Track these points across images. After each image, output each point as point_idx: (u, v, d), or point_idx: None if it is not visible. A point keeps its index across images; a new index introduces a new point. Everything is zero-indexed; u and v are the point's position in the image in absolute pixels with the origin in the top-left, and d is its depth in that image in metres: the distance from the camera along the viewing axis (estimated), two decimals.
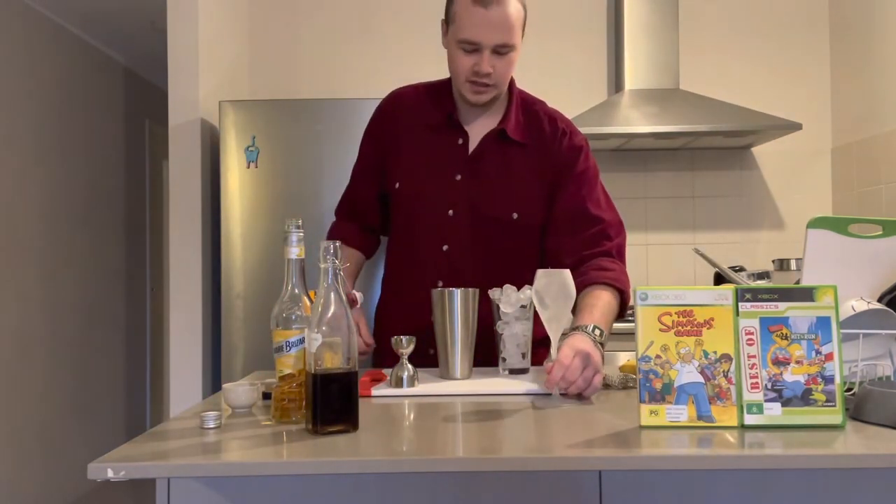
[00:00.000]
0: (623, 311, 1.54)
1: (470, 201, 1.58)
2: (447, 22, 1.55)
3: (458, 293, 1.46)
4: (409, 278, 1.65)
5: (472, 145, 1.61)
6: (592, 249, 1.56)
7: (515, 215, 1.57)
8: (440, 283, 1.57)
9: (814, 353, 1.07)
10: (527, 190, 1.59)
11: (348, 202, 1.78)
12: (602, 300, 1.46)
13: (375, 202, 1.72)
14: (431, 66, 2.08)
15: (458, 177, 1.59)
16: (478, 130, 1.61)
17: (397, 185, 1.63)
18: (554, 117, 1.66)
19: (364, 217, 1.75)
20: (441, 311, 1.48)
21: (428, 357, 1.54)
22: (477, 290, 1.50)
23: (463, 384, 1.43)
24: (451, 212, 1.59)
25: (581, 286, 1.46)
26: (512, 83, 1.62)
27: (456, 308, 1.47)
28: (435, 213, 1.59)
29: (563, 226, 1.59)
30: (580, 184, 1.60)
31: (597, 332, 1.36)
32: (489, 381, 1.46)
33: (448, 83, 1.65)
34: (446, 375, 1.48)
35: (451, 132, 1.61)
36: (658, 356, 1.07)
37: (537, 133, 1.62)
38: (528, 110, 1.64)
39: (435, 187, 1.60)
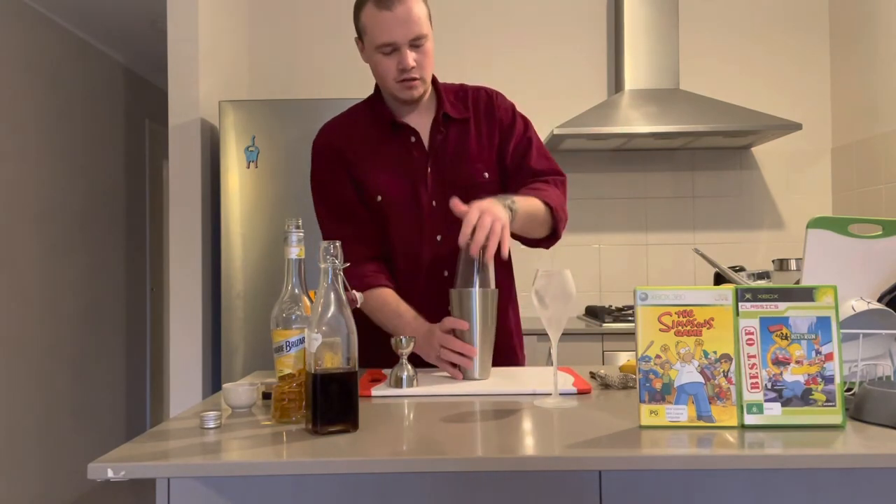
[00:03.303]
0: (555, 229, 1.65)
1: (444, 186, 1.65)
2: (360, 37, 1.65)
3: (476, 293, 1.47)
4: (412, 276, 1.67)
5: (425, 138, 1.69)
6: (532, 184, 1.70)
7: (486, 174, 1.68)
8: (445, 273, 1.64)
9: (814, 353, 1.07)
10: (484, 153, 1.70)
11: (351, 242, 1.66)
12: (526, 197, 1.58)
13: (376, 229, 1.71)
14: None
15: (428, 170, 1.67)
16: (422, 123, 1.70)
17: (379, 198, 1.67)
18: (478, 88, 1.77)
19: (372, 247, 1.70)
20: (459, 311, 1.48)
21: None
22: (496, 290, 1.50)
23: (463, 384, 1.43)
24: (433, 202, 1.66)
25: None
26: (438, 86, 1.72)
27: (474, 307, 1.47)
28: (420, 210, 1.65)
29: (512, 182, 1.72)
30: (520, 142, 1.73)
31: (509, 200, 1.49)
32: (489, 381, 1.46)
33: (376, 96, 1.74)
34: (465, 376, 1.48)
35: (401, 134, 1.68)
36: (658, 356, 1.07)
37: (473, 105, 1.73)
38: (457, 91, 1.75)
39: (412, 188, 1.66)
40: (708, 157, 3.61)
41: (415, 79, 1.60)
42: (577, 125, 3.14)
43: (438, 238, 1.66)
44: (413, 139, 1.68)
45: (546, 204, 1.61)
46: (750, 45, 3.63)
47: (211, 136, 3.09)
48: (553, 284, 1.27)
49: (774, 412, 1.06)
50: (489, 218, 1.41)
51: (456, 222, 1.49)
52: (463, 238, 1.40)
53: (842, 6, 3.52)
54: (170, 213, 2.95)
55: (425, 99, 1.69)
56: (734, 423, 1.06)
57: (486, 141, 1.71)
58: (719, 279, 2.82)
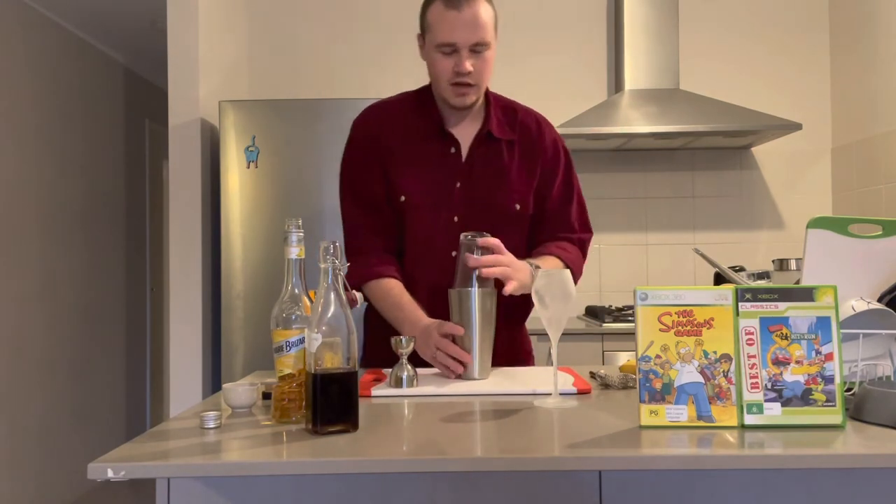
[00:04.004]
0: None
1: (471, 205, 1.63)
2: (423, 33, 1.62)
3: (475, 293, 1.46)
4: (423, 286, 1.65)
5: (464, 151, 1.66)
6: (557, 241, 1.72)
7: (518, 206, 1.66)
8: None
9: (814, 353, 1.07)
10: (521, 183, 1.67)
11: (368, 231, 1.68)
12: (549, 260, 1.62)
13: (395, 223, 1.69)
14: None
15: (458, 184, 1.64)
16: (465, 135, 1.67)
17: (403, 198, 1.65)
18: (529, 111, 1.75)
19: (388, 240, 1.69)
20: (459, 311, 1.48)
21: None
22: (496, 291, 1.50)
23: (463, 385, 1.43)
24: (455, 218, 1.63)
25: (537, 253, 1.65)
26: (489, 98, 1.69)
27: (474, 308, 1.47)
28: (440, 222, 1.63)
29: (540, 226, 1.73)
30: (562, 188, 1.73)
31: (533, 267, 1.52)
32: (490, 381, 1.46)
33: (427, 92, 1.70)
34: (465, 376, 1.48)
35: (443, 142, 1.66)
36: (658, 356, 1.07)
37: (521, 129, 1.70)
38: (507, 109, 1.72)
39: (438, 198, 1.64)
40: (708, 157, 3.61)
41: (469, 84, 1.57)
42: (577, 125, 3.14)
43: (453, 254, 1.61)
44: (453, 150, 1.65)
45: (566, 266, 1.63)
46: (750, 45, 3.63)
47: (211, 136, 3.09)
48: (553, 284, 1.27)
49: (774, 412, 1.06)
50: (511, 271, 1.45)
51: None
52: (474, 261, 1.44)
53: (842, 6, 3.52)
54: (170, 213, 2.95)
55: (475, 109, 1.66)
56: (734, 423, 1.06)
57: (526, 171, 1.67)
58: (719, 279, 2.82)
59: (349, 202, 1.70)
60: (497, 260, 1.45)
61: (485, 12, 1.55)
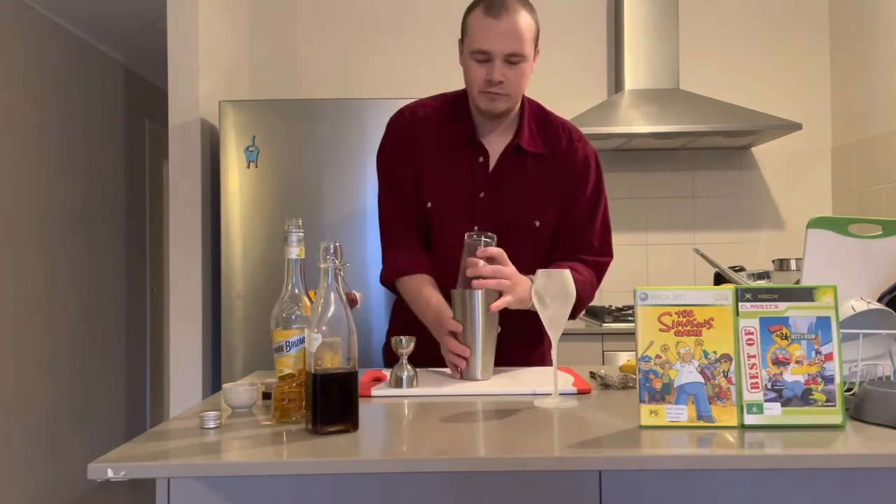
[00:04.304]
0: (573, 314, 1.58)
1: (493, 216, 1.63)
2: (462, 38, 1.61)
3: (479, 294, 1.46)
4: (441, 293, 1.64)
5: (492, 162, 1.66)
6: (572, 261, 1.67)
7: (538, 223, 1.64)
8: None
9: (814, 353, 1.07)
10: (545, 199, 1.66)
11: (402, 225, 1.69)
12: None
13: (423, 218, 1.70)
14: (430, 66, 2.08)
15: (482, 194, 1.64)
16: (495, 146, 1.66)
17: (429, 204, 1.66)
18: (567, 127, 1.72)
19: (419, 235, 1.70)
20: (462, 311, 1.48)
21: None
22: (498, 292, 1.50)
23: (463, 385, 1.43)
24: (476, 228, 1.62)
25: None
26: (525, 106, 1.68)
27: (477, 308, 1.47)
28: (461, 230, 1.61)
29: (560, 241, 1.70)
30: (588, 205, 1.69)
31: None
32: (490, 381, 1.46)
33: (462, 97, 1.68)
34: (466, 376, 1.48)
35: (471, 150, 1.65)
36: (658, 356, 1.08)
37: (552, 142, 1.68)
38: (541, 121, 1.70)
39: (461, 205, 1.65)
40: (708, 157, 3.61)
41: (499, 94, 1.56)
42: (577, 125, 3.11)
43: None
44: (481, 159, 1.65)
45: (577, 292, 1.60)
46: (750, 45, 3.63)
47: (211, 136, 3.09)
48: (553, 284, 1.27)
49: (774, 412, 1.06)
50: (508, 284, 1.45)
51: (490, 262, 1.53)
52: (473, 269, 1.45)
53: (842, 6, 3.52)
54: (170, 213, 2.95)
55: (508, 119, 1.65)
56: (734, 423, 1.06)
57: (551, 186, 1.66)
58: (719, 279, 2.82)
59: (384, 196, 1.71)
60: (496, 271, 1.45)
61: (524, 23, 1.52)
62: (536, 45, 1.59)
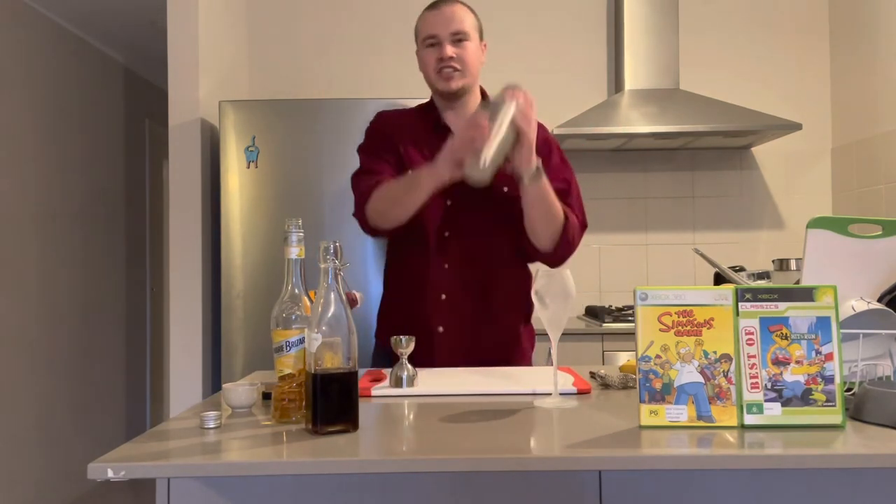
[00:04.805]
0: (561, 244, 1.72)
1: (462, 189, 1.68)
2: (416, 42, 1.81)
3: (512, 104, 1.51)
4: (416, 264, 1.76)
5: None
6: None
7: (505, 188, 1.73)
8: (446, 266, 1.74)
9: (814, 353, 1.07)
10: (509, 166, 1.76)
11: (382, 163, 1.79)
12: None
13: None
14: None
15: None
16: (458, 126, 1.76)
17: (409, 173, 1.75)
18: None
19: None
20: (492, 113, 1.52)
21: (436, 335, 1.71)
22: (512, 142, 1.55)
23: (463, 384, 1.43)
24: (448, 202, 1.73)
25: None
26: (484, 96, 1.83)
27: (507, 112, 1.50)
28: (435, 205, 1.71)
29: None
30: (556, 173, 1.77)
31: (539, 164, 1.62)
32: (489, 381, 1.46)
33: (426, 105, 1.86)
34: (471, 168, 1.51)
35: (439, 136, 1.75)
36: (658, 356, 1.08)
37: None
38: None
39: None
40: (708, 157, 3.61)
41: (453, 69, 1.73)
42: (577, 125, 3.14)
43: (446, 234, 1.74)
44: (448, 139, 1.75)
45: (564, 215, 1.69)
46: (750, 45, 3.63)
47: (211, 136, 3.09)
48: (553, 284, 1.27)
49: (774, 412, 1.06)
50: (532, 117, 1.55)
51: (464, 230, 1.68)
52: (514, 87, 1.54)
53: (842, 6, 3.52)
54: (170, 214, 2.95)
55: (469, 105, 1.79)
56: (734, 423, 1.06)
57: None
58: (719, 279, 2.82)
59: (364, 156, 1.82)
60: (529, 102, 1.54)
61: (462, 11, 1.75)
62: (482, 39, 1.79)
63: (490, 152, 1.48)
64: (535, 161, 1.58)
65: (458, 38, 1.73)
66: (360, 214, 1.74)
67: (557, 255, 1.72)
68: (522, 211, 1.70)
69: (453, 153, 1.55)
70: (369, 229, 1.74)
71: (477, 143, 1.49)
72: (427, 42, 1.75)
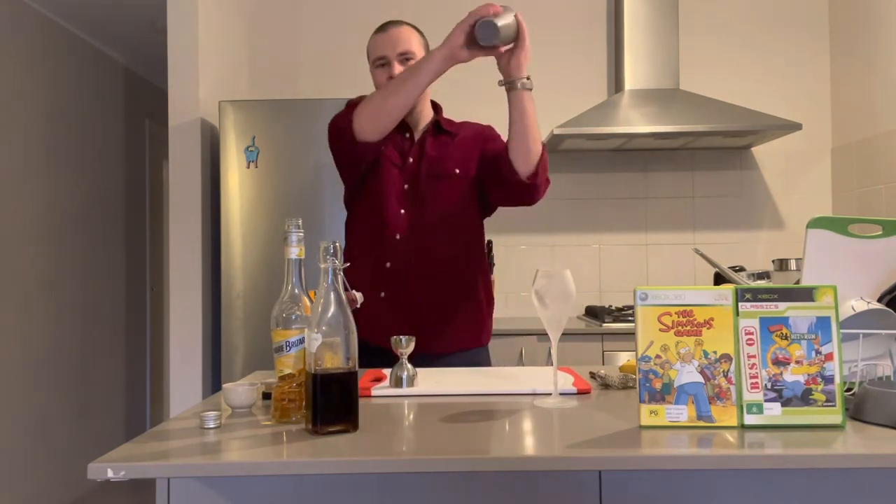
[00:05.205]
0: (541, 161, 1.80)
1: (419, 174, 1.87)
2: (369, 62, 1.92)
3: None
4: (377, 235, 1.86)
5: (416, 135, 1.94)
6: None
7: (457, 170, 1.89)
8: (398, 236, 1.84)
9: (814, 353, 1.07)
10: (462, 154, 1.92)
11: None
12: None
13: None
14: None
15: (410, 160, 1.89)
16: (417, 129, 1.95)
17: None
18: (473, 123, 2.02)
19: None
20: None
21: (378, 301, 1.81)
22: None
23: (463, 385, 1.43)
24: (406, 185, 1.87)
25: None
26: (437, 107, 1.99)
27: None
28: (396, 186, 1.87)
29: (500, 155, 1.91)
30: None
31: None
32: (489, 381, 1.46)
33: None
34: (484, 32, 1.58)
35: (399, 133, 1.91)
36: (658, 356, 1.08)
37: (463, 128, 1.99)
38: (453, 121, 2.00)
39: (395, 170, 1.89)
40: (708, 157, 3.61)
41: None
42: (577, 125, 3.14)
43: (402, 211, 1.86)
44: (407, 135, 1.92)
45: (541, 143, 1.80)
46: (750, 45, 3.63)
47: (211, 136, 3.09)
48: (553, 284, 1.27)
49: (774, 412, 1.06)
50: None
51: (421, 208, 1.83)
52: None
53: (842, 6, 3.52)
54: (170, 213, 2.95)
55: (423, 114, 1.93)
56: (734, 423, 1.06)
57: (468, 147, 1.93)
58: (719, 279, 2.82)
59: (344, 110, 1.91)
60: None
61: (406, 32, 1.89)
62: (426, 49, 1.90)
63: (506, 16, 1.58)
64: (526, 70, 1.69)
65: (406, 58, 1.86)
66: (343, 122, 1.79)
67: (538, 179, 1.79)
68: (478, 193, 1.88)
69: (468, 17, 1.61)
70: (347, 140, 1.78)
71: (492, 9, 1.59)
72: (377, 63, 1.87)
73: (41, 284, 3.82)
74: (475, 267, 1.91)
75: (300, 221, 1.23)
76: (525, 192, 1.81)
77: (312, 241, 2.81)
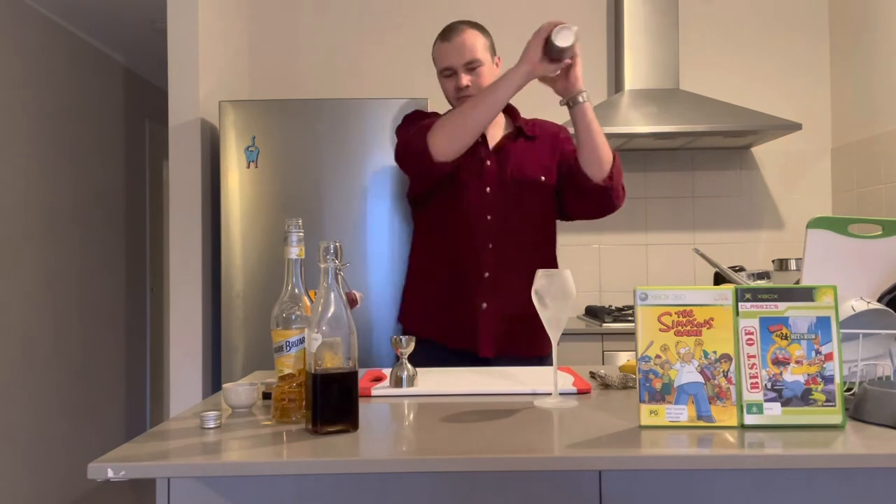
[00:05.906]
0: (615, 164, 1.83)
1: (501, 179, 1.87)
2: (435, 67, 1.92)
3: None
4: (456, 244, 1.87)
5: (491, 143, 1.94)
6: None
7: (543, 178, 1.90)
8: (490, 246, 1.85)
9: (814, 353, 1.07)
10: (545, 160, 1.93)
11: (427, 119, 1.91)
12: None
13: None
14: (430, 66, 2.08)
15: (488, 163, 1.89)
16: (492, 136, 1.95)
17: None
18: (546, 122, 2.03)
19: None
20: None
21: (483, 281, 1.83)
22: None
23: (463, 384, 1.43)
24: (488, 189, 1.87)
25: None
26: (515, 112, 1.98)
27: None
28: (476, 192, 1.87)
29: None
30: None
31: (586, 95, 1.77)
32: (489, 381, 1.46)
33: None
34: (558, 37, 1.62)
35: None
36: (658, 356, 1.08)
37: (541, 129, 1.99)
38: (529, 122, 2.00)
39: (469, 181, 1.87)
40: (708, 157, 3.61)
41: (469, 96, 1.83)
42: None
43: (488, 217, 1.86)
44: (480, 139, 1.89)
45: (613, 152, 1.83)
46: (750, 45, 3.63)
47: (211, 136, 3.09)
48: (553, 284, 1.27)
49: (774, 412, 1.06)
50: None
51: (505, 228, 1.85)
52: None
53: (842, 6, 3.52)
54: (170, 213, 2.95)
55: (496, 119, 1.89)
56: (734, 423, 1.06)
57: (548, 153, 1.93)
58: (719, 279, 2.82)
59: (410, 121, 1.94)
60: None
61: (471, 38, 1.86)
62: (494, 55, 1.92)
63: (573, 29, 1.61)
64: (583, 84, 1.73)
65: (472, 67, 1.85)
66: (419, 145, 1.76)
67: (613, 181, 1.80)
68: (568, 181, 1.87)
69: (541, 31, 1.64)
70: (426, 163, 1.76)
71: (557, 24, 1.61)
72: (444, 73, 1.88)
73: (41, 284, 3.82)
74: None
75: (300, 221, 1.23)
76: (603, 196, 1.82)
77: (312, 241, 2.81)
